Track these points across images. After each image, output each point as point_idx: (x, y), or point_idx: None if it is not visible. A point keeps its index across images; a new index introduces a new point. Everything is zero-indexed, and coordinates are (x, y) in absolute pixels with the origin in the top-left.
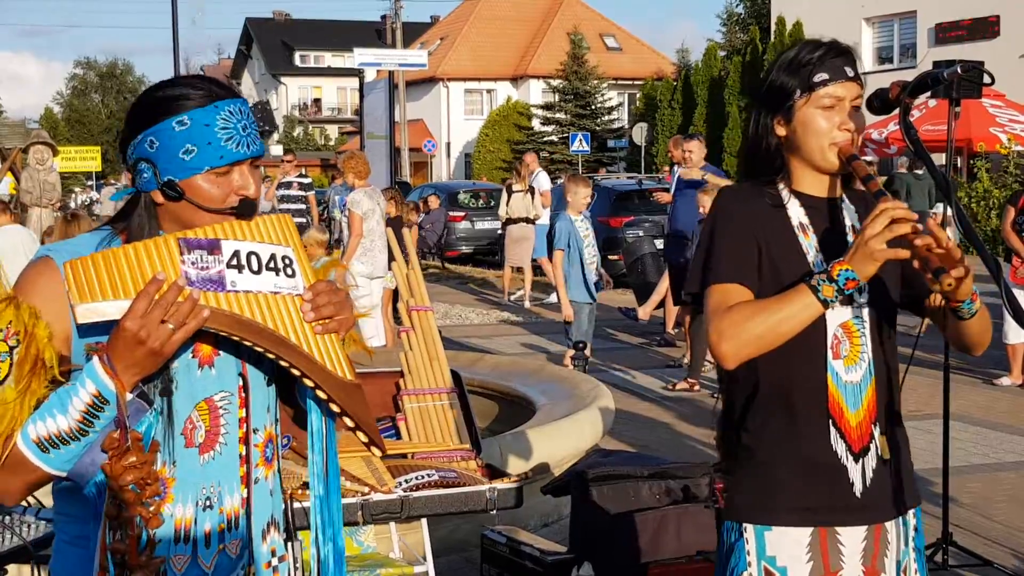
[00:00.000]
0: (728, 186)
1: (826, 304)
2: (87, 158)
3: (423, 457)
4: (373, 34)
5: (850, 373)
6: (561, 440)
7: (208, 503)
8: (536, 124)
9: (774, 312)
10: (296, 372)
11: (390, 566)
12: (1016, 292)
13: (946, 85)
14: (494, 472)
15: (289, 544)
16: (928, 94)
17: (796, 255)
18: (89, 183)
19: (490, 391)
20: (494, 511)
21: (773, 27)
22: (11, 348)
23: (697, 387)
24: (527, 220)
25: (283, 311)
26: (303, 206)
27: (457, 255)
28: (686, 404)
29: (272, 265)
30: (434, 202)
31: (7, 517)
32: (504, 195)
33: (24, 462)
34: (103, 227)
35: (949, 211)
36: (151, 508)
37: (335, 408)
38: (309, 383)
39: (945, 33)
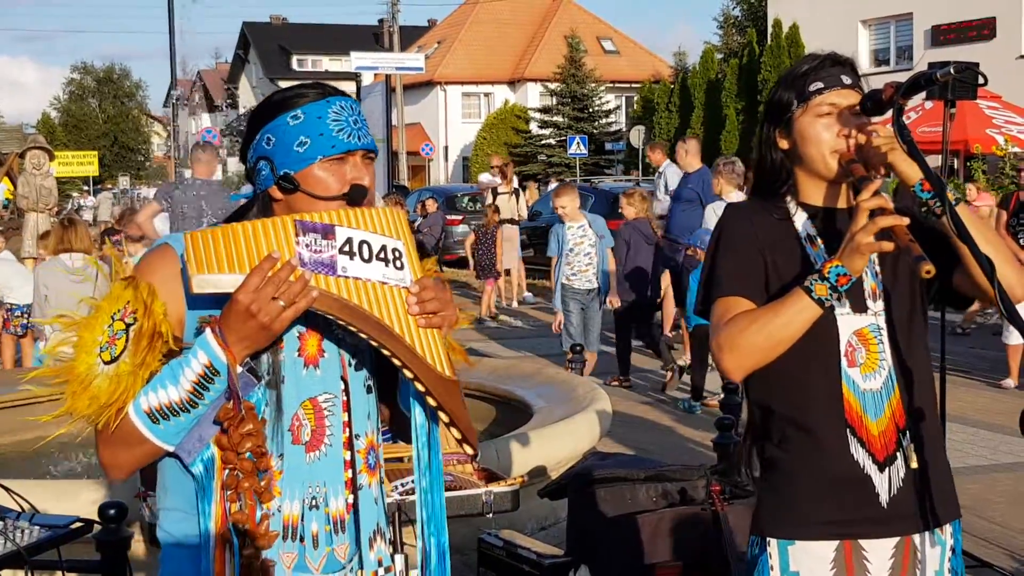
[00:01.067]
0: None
1: (822, 304)
2: (84, 163)
3: None
4: (371, 38)
5: (868, 381)
6: (558, 443)
7: (314, 502)
8: (534, 127)
9: (770, 319)
10: (397, 362)
11: None
12: None
13: (940, 86)
14: (491, 475)
15: (395, 556)
16: (924, 96)
17: (804, 266)
18: (86, 188)
19: (487, 394)
20: (491, 514)
21: (770, 30)
22: (127, 326)
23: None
24: (512, 221)
25: (389, 301)
26: None
27: (455, 258)
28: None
29: (382, 256)
30: (431, 205)
31: (1, 522)
32: (489, 197)
33: (133, 432)
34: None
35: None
36: (263, 482)
37: (432, 402)
38: (408, 374)
39: (941, 35)
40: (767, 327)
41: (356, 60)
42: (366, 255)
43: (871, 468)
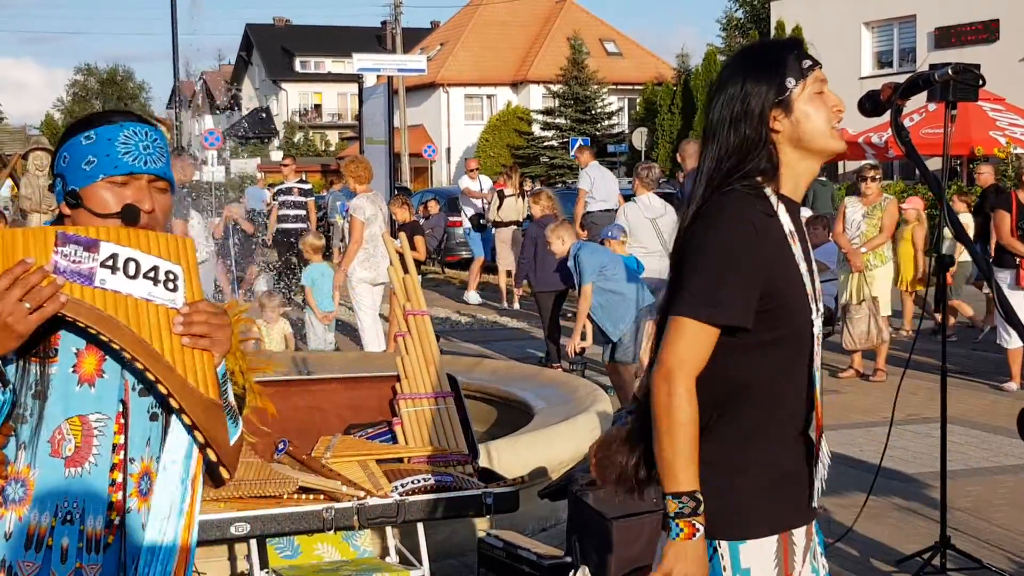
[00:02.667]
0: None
1: (664, 509)
2: None
3: (419, 461)
4: (373, 40)
5: (819, 381)
6: (559, 444)
7: (68, 517)
8: (536, 129)
9: (671, 445)
10: (150, 376)
11: (386, 570)
12: (1021, 295)
13: (940, 87)
14: (491, 476)
15: None
16: (926, 98)
17: (792, 266)
18: None
19: (488, 395)
20: (491, 515)
21: (773, 32)
22: None
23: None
24: (517, 223)
25: (150, 318)
26: (303, 212)
27: (457, 260)
28: None
29: (152, 275)
30: (434, 207)
31: None
32: (496, 199)
33: None
34: None
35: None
36: None
37: (187, 420)
38: (163, 389)
39: (945, 37)
40: (667, 441)
41: (358, 62)
42: (131, 272)
43: (808, 465)
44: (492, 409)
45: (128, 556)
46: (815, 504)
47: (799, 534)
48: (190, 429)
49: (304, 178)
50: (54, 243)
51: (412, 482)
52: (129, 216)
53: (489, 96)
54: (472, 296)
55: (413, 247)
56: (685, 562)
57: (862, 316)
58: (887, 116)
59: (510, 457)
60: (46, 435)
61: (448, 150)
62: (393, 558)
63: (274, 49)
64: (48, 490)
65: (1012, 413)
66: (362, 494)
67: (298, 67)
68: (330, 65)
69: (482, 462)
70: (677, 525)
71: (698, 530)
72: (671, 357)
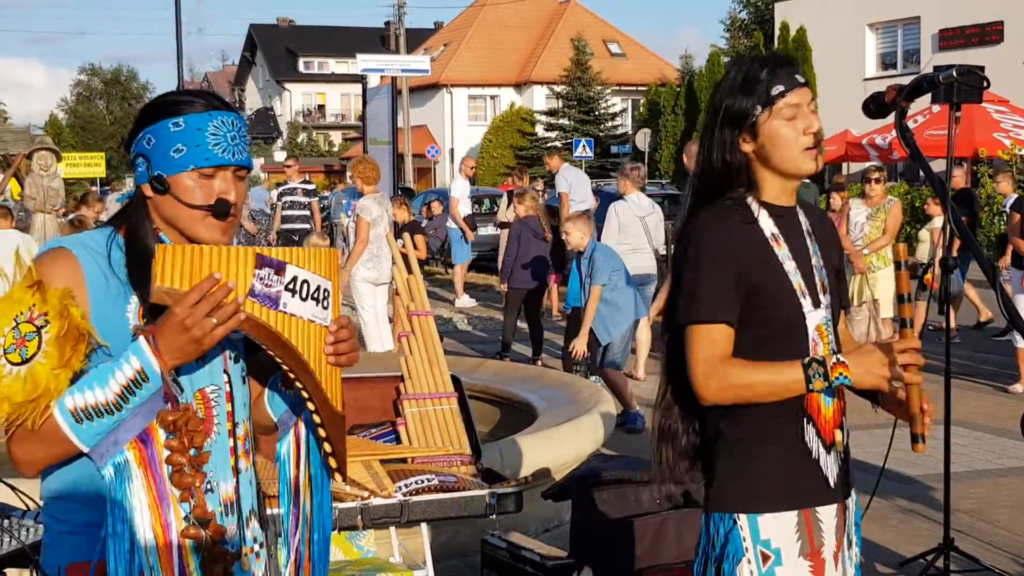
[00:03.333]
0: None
1: (810, 391)
2: (91, 164)
3: (423, 461)
4: (377, 40)
5: None
6: (562, 445)
7: (210, 487)
8: (540, 130)
9: (762, 384)
10: (305, 395)
11: (390, 570)
12: None
13: (945, 89)
14: (494, 477)
15: (265, 532)
16: (930, 100)
17: (774, 265)
18: (94, 189)
19: (491, 396)
20: (494, 516)
21: (777, 33)
22: (38, 328)
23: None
24: None
25: (311, 339)
26: (307, 212)
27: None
28: None
29: (316, 296)
30: (437, 208)
31: (6, 521)
32: (504, 200)
33: (55, 431)
34: (106, 225)
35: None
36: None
37: (321, 432)
38: (311, 406)
39: (949, 39)
40: (757, 389)
41: (362, 62)
42: (304, 294)
43: (821, 451)
44: (495, 410)
45: (243, 513)
46: (833, 484)
47: (826, 512)
48: (320, 440)
49: (308, 178)
50: (255, 265)
51: (416, 482)
52: (221, 211)
53: (493, 97)
54: (465, 300)
55: (414, 247)
56: (869, 366)
57: (862, 318)
58: (891, 118)
59: (513, 458)
60: None
61: (451, 150)
62: (397, 558)
63: (278, 49)
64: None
65: (1016, 415)
66: (366, 494)
67: (302, 67)
68: (333, 66)
69: (485, 462)
70: (838, 377)
71: (846, 364)
72: (695, 367)
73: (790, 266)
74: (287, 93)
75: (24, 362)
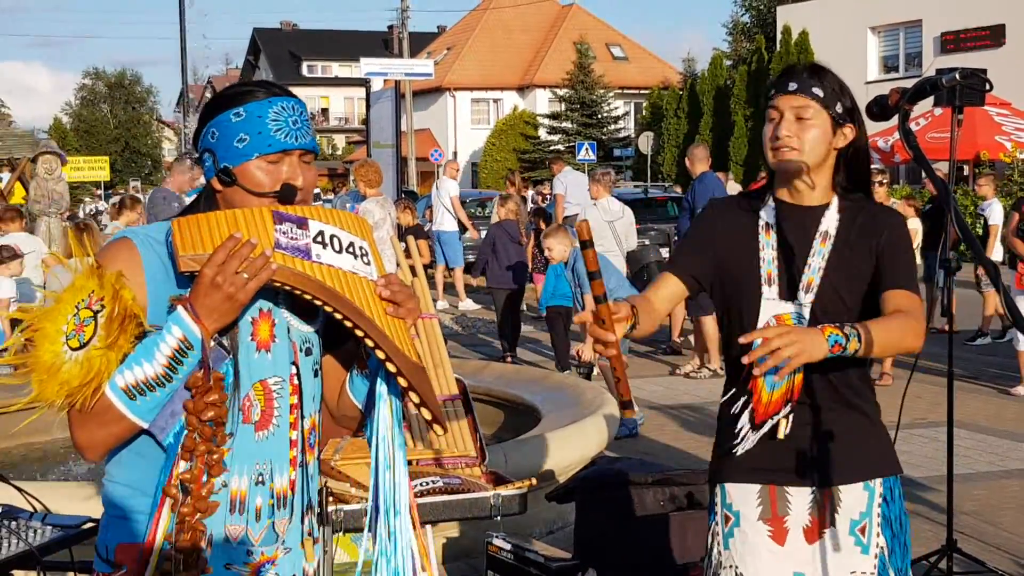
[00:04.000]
0: (717, 198)
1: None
2: (95, 168)
3: (427, 463)
4: (380, 44)
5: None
6: (566, 447)
7: (260, 479)
8: (542, 133)
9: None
10: (369, 342)
11: None
12: (1021, 299)
13: (948, 92)
14: (499, 479)
15: (321, 527)
16: (932, 102)
17: (750, 249)
18: (98, 192)
19: (495, 399)
20: (499, 518)
21: (779, 36)
22: (95, 313)
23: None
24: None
25: (359, 289)
26: None
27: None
28: (691, 412)
29: (351, 250)
30: None
31: (13, 522)
32: (496, 202)
33: (110, 410)
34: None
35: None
36: (215, 456)
37: (402, 383)
38: (380, 355)
39: (951, 42)
40: None
41: (365, 66)
42: (337, 247)
43: (749, 433)
44: (499, 412)
45: (304, 507)
46: (767, 466)
47: (797, 492)
48: (405, 391)
49: None
50: (272, 221)
51: (420, 484)
52: (286, 195)
53: (496, 100)
54: (468, 303)
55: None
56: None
57: None
58: (893, 121)
59: (518, 460)
60: (237, 403)
61: (455, 154)
62: None
63: (281, 53)
64: (243, 455)
65: (1018, 417)
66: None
67: (305, 71)
68: (337, 69)
69: (490, 465)
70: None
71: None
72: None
73: (767, 254)
74: None
75: (82, 347)
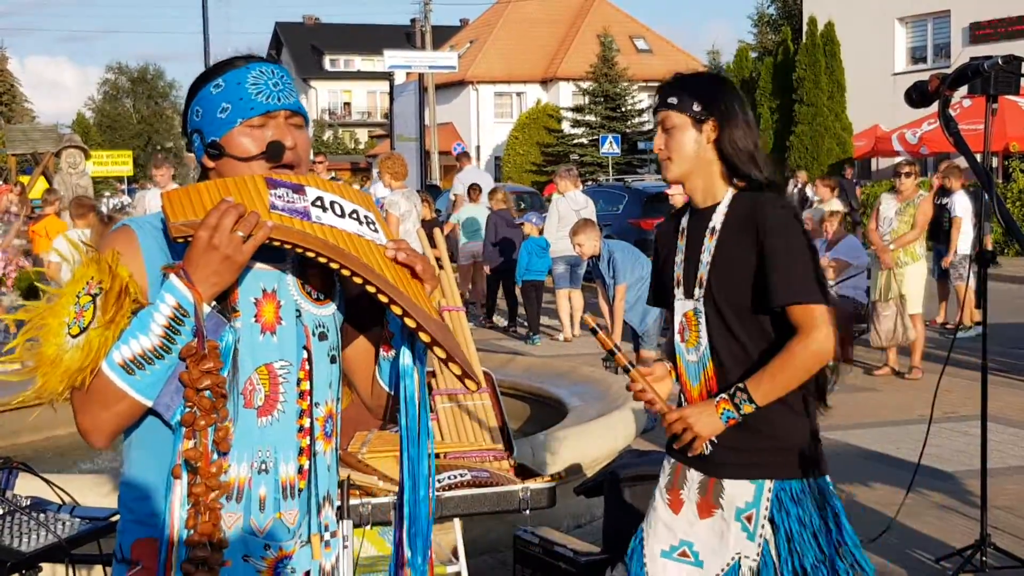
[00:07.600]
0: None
1: None
2: (119, 162)
3: (456, 457)
4: (402, 37)
5: (691, 354)
6: (594, 441)
7: (264, 467)
8: (566, 127)
9: None
10: (383, 298)
11: None
12: None
13: (983, 80)
14: (527, 472)
15: (341, 522)
16: (965, 92)
17: (673, 257)
18: (121, 187)
19: (522, 392)
20: (527, 511)
21: (805, 28)
22: (94, 296)
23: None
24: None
25: (368, 250)
26: None
27: None
28: None
29: (355, 216)
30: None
31: (42, 515)
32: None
33: (110, 388)
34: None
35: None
36: (220, 432)
37: (425, 338)
38: (397, 310)
39: (979, 32)
40: None
41: (389, 59)
42: (339, 212)
43: None
44: (525, 406)
45: (318, 497)
46: (692, 454)
47: (692, 474)
48: (429, 346)
49: (335, 176)
50: (267, 187)
51: (448, 478)
52: (274, 152)
53: (519, 94)
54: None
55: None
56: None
57: (889, 314)
58: (920, 113)
59: (545, 453)
60: (239, 387)
61: (478, 148)
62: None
63: (303, 47)
64: (244, 441)
65: None
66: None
67: (327, 65)
68: (359, 63)
69: (518, 458)
70: None
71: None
72: None
73: (679, 258)
74: (313, 91)
75: (82, 332)
